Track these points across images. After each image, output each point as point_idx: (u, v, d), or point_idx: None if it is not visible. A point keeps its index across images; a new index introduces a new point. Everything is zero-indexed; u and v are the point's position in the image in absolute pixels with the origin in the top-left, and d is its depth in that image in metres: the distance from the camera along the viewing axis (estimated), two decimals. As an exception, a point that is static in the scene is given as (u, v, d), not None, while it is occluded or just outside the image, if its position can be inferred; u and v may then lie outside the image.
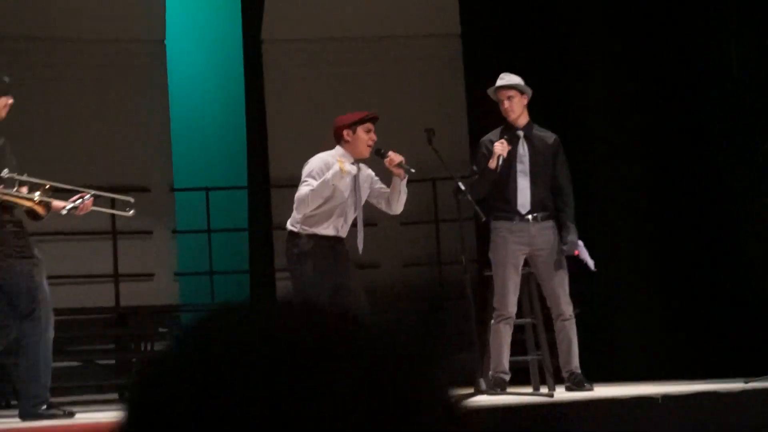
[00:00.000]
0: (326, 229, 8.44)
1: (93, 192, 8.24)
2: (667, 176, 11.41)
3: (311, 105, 12.31)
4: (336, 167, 8.25)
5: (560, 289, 8.85)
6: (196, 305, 12.24)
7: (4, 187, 7.73)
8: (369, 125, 8.63)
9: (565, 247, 8.82)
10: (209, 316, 1.16)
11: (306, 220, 8.41)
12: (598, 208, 11.12)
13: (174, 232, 12.30)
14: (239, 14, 13.21)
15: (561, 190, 8.93)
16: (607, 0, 11.86)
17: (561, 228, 8.88)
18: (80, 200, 8.05)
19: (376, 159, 8.61)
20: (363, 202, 8.61)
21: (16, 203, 7.86)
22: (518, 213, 8.82)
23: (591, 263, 8.92)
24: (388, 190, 8.58)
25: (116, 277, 11.90)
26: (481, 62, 12.05)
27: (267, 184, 12.45)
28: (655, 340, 11.16)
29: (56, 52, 12.03)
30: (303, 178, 8.38)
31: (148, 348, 12.00)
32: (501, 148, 8.73)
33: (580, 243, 8.88)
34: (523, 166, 8.85)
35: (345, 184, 8.38)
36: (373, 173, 8.72)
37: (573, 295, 9.23)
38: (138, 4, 12.33)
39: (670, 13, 11.46)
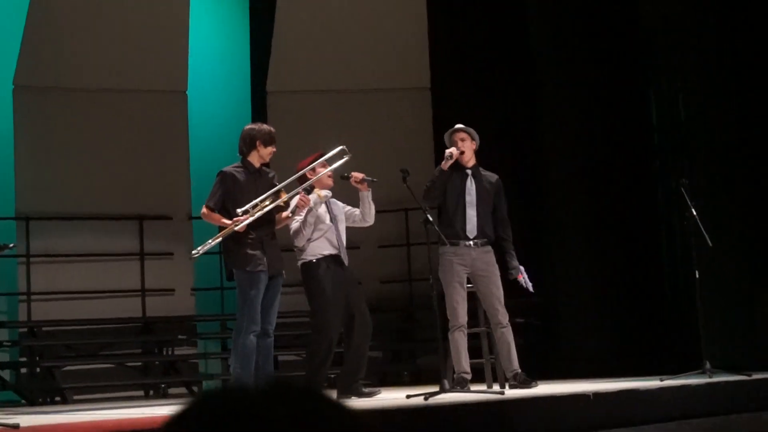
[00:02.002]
0: (328, 249, 8.75)
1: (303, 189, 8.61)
2: (606, 209, 11.64)
3: (307, 147, 12.33)
4: (314, 196, 8.62)
5: (497, 302, 8.89)
6: (209, 315, 12.40)
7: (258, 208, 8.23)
8: (318, 164, 8.92)
9: (511, 271, 8.92)
10: (221, 394, 1.22)
11: (310, 249, 8.72)
12: (548, 236, 11.37)
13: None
14: (249, 68, 13.38)
15: (503, 222, 9.04)
16: (556, 61, 12.08)
17: (504, 255, 8.98)
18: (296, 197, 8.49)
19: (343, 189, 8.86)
20: (344, 225, 8.90)
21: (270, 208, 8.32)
22: (464, 238, 8.90)
23: (530, 286, 8.96)
24: (358, 209, 8.88)
25: (143, 291, 12.04)
26: (447, 112, 12.21)
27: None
28: (591, 347, 11.36)
29: (96, 100, 12.16)
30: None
31: (170, 352, 12.01)
32: (448, 152, 8.86)
33: (522, 268, 8.96)
34: (470, 198, 8.95)
35: (323, 213, 8.72)
36: (341, 203, 9.00)
37: (529, 308, 9.45)
38: (165, 60, 12.39)
39: (611, 82, 11.74)
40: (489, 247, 8.98)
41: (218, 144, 12.81)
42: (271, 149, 8.57)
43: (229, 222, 8.23)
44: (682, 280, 10.45)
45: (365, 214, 8.86)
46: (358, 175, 8.76)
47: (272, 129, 8.65)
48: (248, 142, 8.54)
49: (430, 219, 8.68)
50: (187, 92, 12.59)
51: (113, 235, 12.02)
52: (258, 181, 8.54)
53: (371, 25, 12.81)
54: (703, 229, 9.18)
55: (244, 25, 13.55)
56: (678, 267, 10.83)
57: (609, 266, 11.55)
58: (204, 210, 8.38)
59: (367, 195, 8.78)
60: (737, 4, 10.95)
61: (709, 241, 9.12)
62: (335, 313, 8.71)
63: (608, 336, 11.33)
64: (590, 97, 11.83)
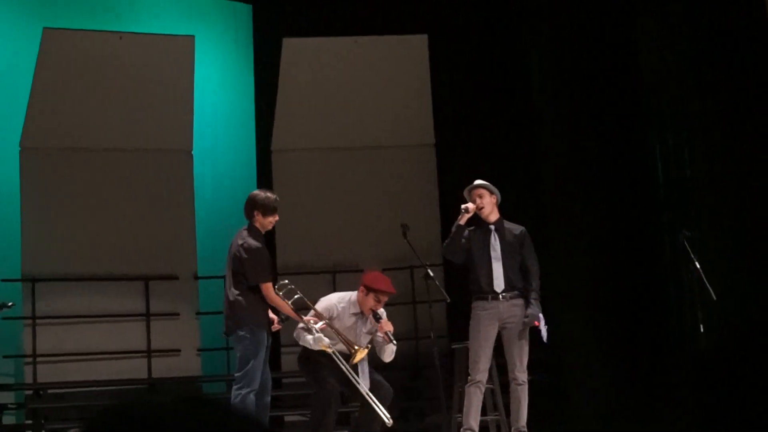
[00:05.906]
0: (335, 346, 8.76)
1: None
2: (613, 265, 11.73)
3: (312, 205, 12.61)
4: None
5: (518, 358, 8.96)
6: (216, 376, 12.43)
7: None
8: (380, 296, 8.87)
9: (526, 319, 8.95)
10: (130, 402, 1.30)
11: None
12: (553, 291, 11.43)
13: (197, 313, 12.44)
14: (254, 128, 13.54)
15: (528, 271, 9.09)
16: (565, 110, 12.20)
17: (526, 303, 9.04)
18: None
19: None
20: (367, 342, 8.91)
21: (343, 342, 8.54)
22: (491, 293, 8.97)
23: (545, 336, 8.99)
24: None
25: (149, 352, 12.10)
26: (452, 168, 12.44)
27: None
28: (599, 403, 11.41)
29: (101, 161, 12.32)
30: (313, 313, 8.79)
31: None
32: (464, 207, 8.94)
33: (541, 317, 8.96)
34: (495, 253, 9.01)
35: (347, 325, 8.78)
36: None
37: (536, 365, 9.45)
38: (170, 119, 12.55)
39: (616, 136, 11.82)
40: (520, 300, 9.06)
41: (224, 203, 12.91)
42: (271, 218, 8.49)
43: (297, 318, 8.42)
44: (688, 334, 10.49)
45: (379, 353, 8.94)
46: (386, 325, 8.84)
47: (275, 197, 8.51)
48: (248, 209, 8.51)
49: (431, 274, 8.89)
50: (192, 152, 12.75)
51: (119, 296, 12.14)
52: (266, 250, 8.54)
53: (374, 82, 12.97)
54: (707, 282, 9.23)
55: (248, 84, 13.70)
56: (684, 321, 10.88)
57: (616, 322, 11.62)
58: (269, 293, 8.32)
59: (385, 346, 8.85)
60: (740, 54, 11.06)
61: (713, 295, 9.17)
62: (331, 374, 8.73)
63: (617, 392, 11.35)
64: (595, 152, 11.96)
